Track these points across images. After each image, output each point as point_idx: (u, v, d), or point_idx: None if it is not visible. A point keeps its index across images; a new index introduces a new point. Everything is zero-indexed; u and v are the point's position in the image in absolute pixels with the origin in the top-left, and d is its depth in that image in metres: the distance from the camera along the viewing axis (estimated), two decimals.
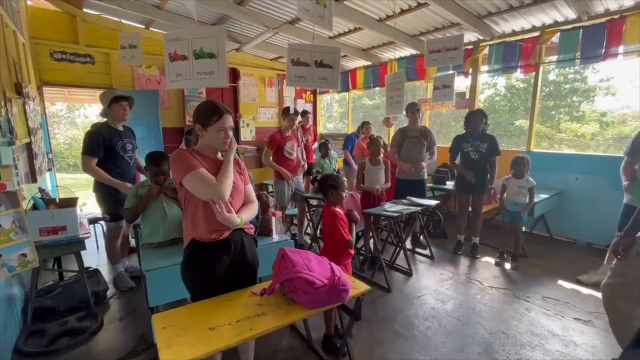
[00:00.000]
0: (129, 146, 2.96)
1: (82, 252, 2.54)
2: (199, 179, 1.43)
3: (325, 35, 5.36)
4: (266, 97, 7.06)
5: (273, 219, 2.39)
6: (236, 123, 6.58)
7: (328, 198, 2.21)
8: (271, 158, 3.76)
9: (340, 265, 2.10)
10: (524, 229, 4.37)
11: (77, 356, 2.14)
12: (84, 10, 4.93)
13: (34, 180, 3.03)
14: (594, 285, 2.94)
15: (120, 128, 2.93)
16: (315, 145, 5.53)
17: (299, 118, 4.86)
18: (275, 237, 2.39)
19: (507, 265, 3.46)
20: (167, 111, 5.81)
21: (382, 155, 3.48)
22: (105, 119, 2.92)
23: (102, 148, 2.77)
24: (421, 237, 3.92)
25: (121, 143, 2.88)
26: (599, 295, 2.79)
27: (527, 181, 3.31)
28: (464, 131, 3.74)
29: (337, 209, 2.21)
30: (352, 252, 2.24)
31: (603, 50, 3.57)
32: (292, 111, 3.85)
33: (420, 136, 3.75)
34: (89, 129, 2.93)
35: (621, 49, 3.48)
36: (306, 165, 5.35)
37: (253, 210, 1.67)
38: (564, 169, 4.16)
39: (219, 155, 1.59)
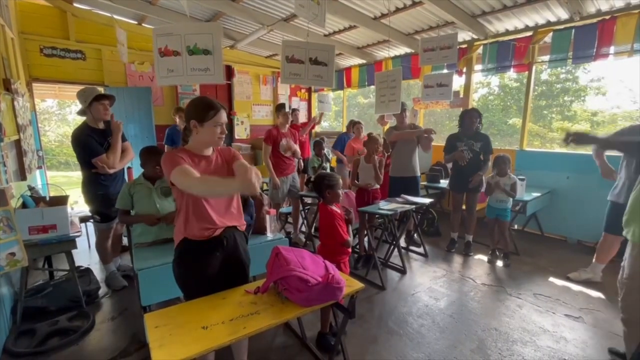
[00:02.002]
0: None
1: (73, 251, 2.51)
2: (182, 173, 1.38)
3: (320, 32, 5.34)
4: (261, 95, 7.03)
5: (267, 217, 2.38)
6: (230, 121, 6.54)
7: (325, 197, 2.20)
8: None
9: (339, 264, 2.10)
10: (516, 226, 4.48)
11: (68, 356, 2.11)
12: (75, 5, 4.84)
13: (24, 178, 2.98)
14: (584, 283, 3.00)
15: (102, 126, 2.80)
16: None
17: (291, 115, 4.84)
18: (270, 235, 2.38)
19: (500, 263, 3.50)
20: (160, 108, 5.75)
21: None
22: (84, 118, 2.77)
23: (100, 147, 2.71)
24: (415, 235, 3.95)
25: (107, 143, 2.78)
26: (589, 292, 2.86)
27: (510, 178, 3.42)
28: (458, 130, 3.77)
29: (334, 208, 2.20)
30: (350, 250, 2.24)
31: (594, 51, 3.61)
32: (286, 108, 3.84)
33: None
34: (76, 134, 2.71)
35: (612, 49, 3.53)
36: (302, 163, 5.35)
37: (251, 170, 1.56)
38: (556, 167, 4.20)
39: (205, 152, 1.56)
